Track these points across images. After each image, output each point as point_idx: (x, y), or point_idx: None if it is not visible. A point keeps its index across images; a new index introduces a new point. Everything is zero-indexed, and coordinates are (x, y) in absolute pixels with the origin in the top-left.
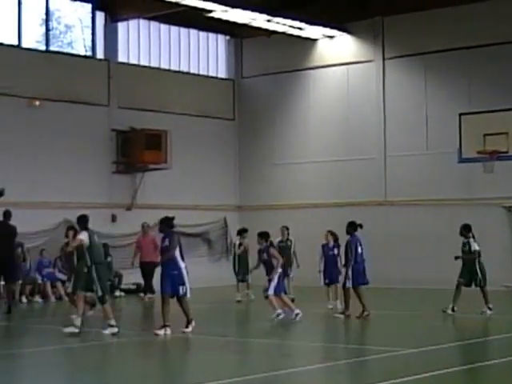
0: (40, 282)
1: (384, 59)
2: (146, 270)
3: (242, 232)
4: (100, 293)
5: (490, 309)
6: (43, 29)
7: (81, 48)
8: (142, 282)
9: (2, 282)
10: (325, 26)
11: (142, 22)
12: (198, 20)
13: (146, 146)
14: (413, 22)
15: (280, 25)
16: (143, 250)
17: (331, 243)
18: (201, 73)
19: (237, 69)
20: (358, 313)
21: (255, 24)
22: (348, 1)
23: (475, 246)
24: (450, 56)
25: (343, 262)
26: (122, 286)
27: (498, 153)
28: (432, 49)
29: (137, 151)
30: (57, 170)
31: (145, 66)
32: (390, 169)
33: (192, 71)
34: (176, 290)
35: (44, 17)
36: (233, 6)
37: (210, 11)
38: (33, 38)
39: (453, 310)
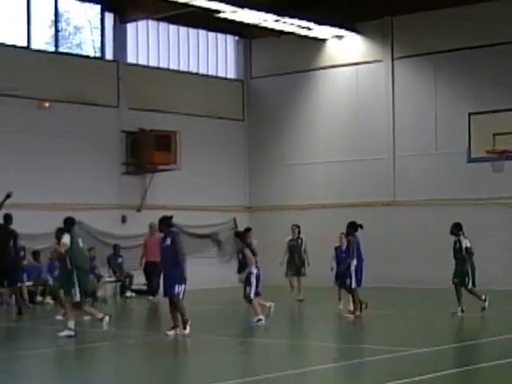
0: (51, 283)
1: (393, 59)
2: (150, 269)
3: (244, 232)
4: (78, 298)
5: (462, 311)
6: (52, 30)
7: (90, 49)
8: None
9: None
10: (334, 26)
11: (151, 22)
12: (206, 20)
13: (156, 146)
14: (422, 22)
15: (289, 25)
16: (149, 249)
17: (345, 246)
18: (210, 73)
19: (246, 69)
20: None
21: (264, 24)
22: (357, 1)
23: (466, 243)
24: (459, 56)
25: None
26: (133, 287)
27: (507, 152)
28: (441, 48)
29: (146, 152)
30: (67, 172)
31: (154, 67)
32: (398, 169)
33: (201, 72)
34: (171, 290)
35: (53, 18)
36: (242, 7)
37: (219, 12)
38: (42, 40)
39: (462, 311)
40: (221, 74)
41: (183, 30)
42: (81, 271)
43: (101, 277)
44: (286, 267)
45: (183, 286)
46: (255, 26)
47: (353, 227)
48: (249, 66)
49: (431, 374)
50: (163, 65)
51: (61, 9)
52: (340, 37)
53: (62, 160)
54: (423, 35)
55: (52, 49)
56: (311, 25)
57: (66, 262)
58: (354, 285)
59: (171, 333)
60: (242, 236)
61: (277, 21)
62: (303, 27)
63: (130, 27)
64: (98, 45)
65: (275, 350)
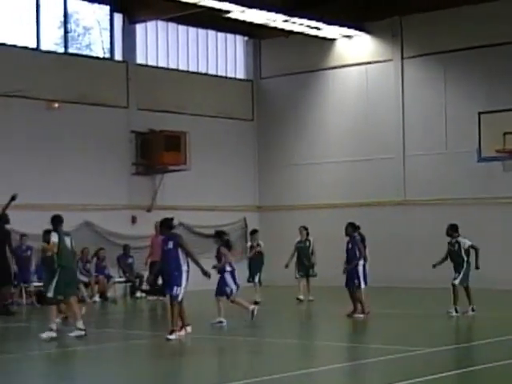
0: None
1: (402, 58)
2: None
3: (251, 233)
4: (50, 294)
5: (456, 310)
6: (61, 31)
7: (99, 50)
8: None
9: None
10: (343, 25)
11: (160, 23)
12: (215, 21)
13: (166, 147)
14: (431, 21)
15: (298, 25)
16: (155, 250)
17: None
18: (219, 74)
19: (255, 69)
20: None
21: (273, 24)
22: (366, 0)
23: (467, 243)
24: (468, 55)
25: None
26: (143, 287)
27: None
28: (451, 48)
29: (156, 153)
30: (76, 172)
31: (163, 68)
32: (409, 168)
33: (210, 72)
34: (170, 290)
35: (62, 19)
36: (250, 7)
37: (228, 12)
38: (51, 41)
39: (456, 311)
40: (230, 74)
41: (192, 30)
42: (65, 270)
43: (111, 277)
44: (294, 269)
45: (182, 288)
46: (264, 26)
47: (353, 228)
48: (258, 66)
49: (443, 373)
50: (172, 65)
51: (70, 10)
52: (349, 36)
53: (72, 161)
54: (433, 34)
55: (61, 50)
56: (320, 25)
57: (53, 261)
58: (362, 285)
59: (182, 333)
60: (221, 235)
61: (286, 21)
62: (312, 27)
63: (139, 28)
64: (107, 46)
65: (285, 350)
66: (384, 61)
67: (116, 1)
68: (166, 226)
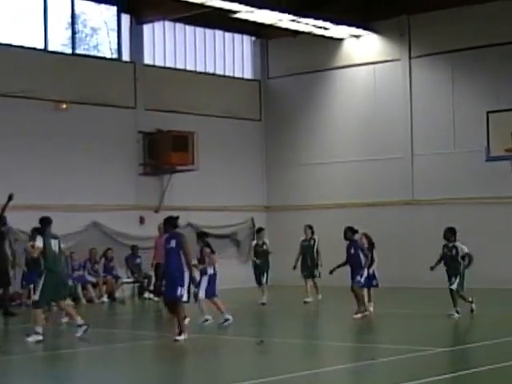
0: (71, 284)
1: (410, 58)
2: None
3: (257, 232)
4: (36, 298)
5: (457, 312)
6: (69, 32)
7: (107, 51)
8: None
9: None
10: (350, 25)
11: (168, 23)
12: (223, 21)
13: (173, 147)
14: (439, 20)
15: (305, 25)
16: (158, 251)
17: (365, 246)
18: (227, 74)
19: (263, 69)
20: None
21: (281, 24)
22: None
23: (465, 249)
24: (477, 54)
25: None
26: (151, 288)
27: None
28: (459, 47)
29: (164, 153)
30: (84, 173)
31: (171, 68)
32: (417, 168)
33: (218, 72)
34: (173, 292)
35: (70, 20)
36: (258, 7)
37: (235, 12)
38: (59, 42)
39: (457, 312)
40: (237, 74)
41: (199, 30)
42: (51, 274)
43: (119, 278)
44: (300, 268)
45: (185, 289)
46: (272, 26)
47: (353, 232)
48: (266, 66)
49: (455, 373)
50: (180, 65)
51: (77, 11)
52: (357, 36)
53: (80, 161)
54: (440, 34)
55: (69, 51)
56: (328, 24)
57: (39, 264)
58: (374, 283)
59: (181, 338)
60: (203, 236)
61: (293, 21)
62: (320, 27)
63: (147, 28)
64: (115, 46)
65: (292, 350)
66: (392, 60)
67: (123, 1)
68: (170, 224)
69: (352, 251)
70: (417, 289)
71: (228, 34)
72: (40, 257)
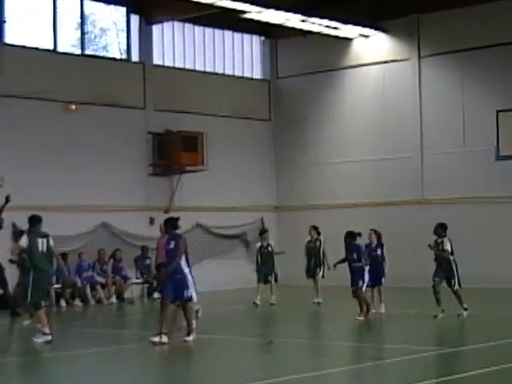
0: (79, 285)
1: (420, 57)
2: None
3: (261, 233)
4: (29, 299)
5: (465, 309)
6: (78, 33)
7: (116, 51)
8: None
9: None
10: (360, 25)
11: (177, 24)
12: (232, 21)
13: (183, 147)
14: (448, 20)
15: (315, 24)
16: (159, 252)
17: (374, 243)
18: (236, 74)
19: (272, 69)
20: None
21: (290, 24)
22: None
23: (447, 246)
24: (486, 53)
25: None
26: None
27: None
28: (468, 46)
29: (173, 153)
30: (94, 173)
31: (180, 68)
32: (426, 167)
33: (227, 72)
34: (180, 295)
35: (79, 21)
36: (267, 7)
37: (245, 12)
38: (68, 42)
39: (442, 311)
40: (247, 74)
41: (209, 30)
42: (38, 273)
43: (127, 278)
44: (305, 269)
45: (193, 289)
46: (281, 26)
47: (351, 236)
48: (275, 66)
49: (463, 373)
50: (189, 66)
51: (87, 11)
52: (366, 36)
53: (89, 162)
54: (450, 33)
55: (78, 51)
56: (337, 24)
57: (25, 265)
58: (364, 287)
59: (156, 339)
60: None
61: (302, 20)
62: (329, 26)
63: (156, 29)
64: (124, 47)
65: (299, 350)
66: (401, 60)
67: (132, 2)
68: (170, 225)
69: (354, 256)
70: (427, 288)
71: (237, 34)
72: (25, 255)
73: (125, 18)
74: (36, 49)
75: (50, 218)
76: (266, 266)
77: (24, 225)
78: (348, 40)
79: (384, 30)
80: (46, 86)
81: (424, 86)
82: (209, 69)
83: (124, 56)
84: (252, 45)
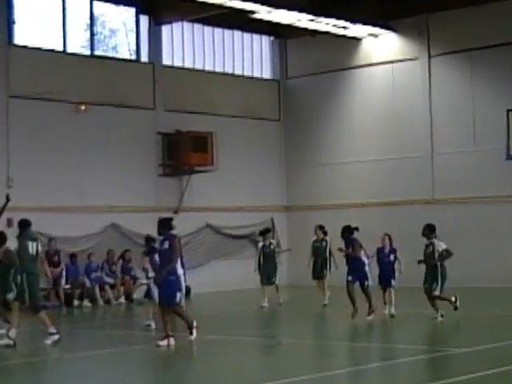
0: (88, 285)
1: (429, 57)
2: None
3: (264, 233)
4: (28, 303)
5: (441, 315)
6: (88, 34)
7: (125, 52)
8: (189, 284)
9: None
10: (369, 24)
11: (186, 24)
12: (241, 21)
13: (193, 148)
14: (458, 19)
15: (324, 24)
16: None
17: (387, 248)
18: (245, 74)
19: (281, 69)
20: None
21: (299, 24)
22: None
23: (441, 246)
24: (496, 52)
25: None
26: None
27: None
28: (478, 45)
29: (183, 154)
30: (103, 174)
31: (189, 69)
32: (437, 167)
33: (237, 73)
34: (173, 297)
35: (88, 22)
36: (276, 7)
37: (254, 12)
38: (78, 43)
39: (441, 315)
40: (256, 74)
41: (218, 31)
42: (30, 276)
43: (137, 279)
44: (311, 270)
45: (181, 292)
46: (290, 26)
47: (348, 231)
48: (284, 66)
49: (474, 373)
50: (198, 66)
51: (96, 12)
52: (375, 35)
53: (98, 163)
54: (459, 32)
55: (87, 52)
56: (346, 24)
57: (16, 267)
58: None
59: (164, 343)
60: (149, 241)
61: (312, 20)
62: (338, 26)
63: (165, 29)
64: (134, 47)
65: (308, 351)
66: (410, 59)
67: (142, 2)
68: (164, 225)
69: (351, 250)
70: None
71: (246, 35)
72: (16, 258)
73: (134, 19)
74: (45, 50)
75: (60, 219)
76: (268, 266)
77: (33, 225)
78: (357, 40)
79: (393, 30)
80: (56, 87)
81: (434, 85)
82: (218, 69)
83: (133, 57)
84: (261, 45)
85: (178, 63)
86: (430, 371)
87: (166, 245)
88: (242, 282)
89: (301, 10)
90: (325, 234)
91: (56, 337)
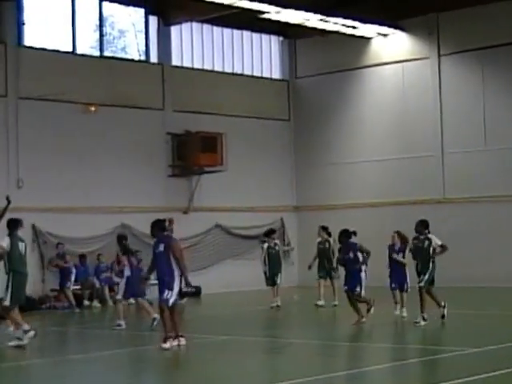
0: (98, 286)
1: (439, 56)
2: None
3: (268, 234)
4: (7, 303)
5: (424, 319)
6: (97, 34)
7: (134, 53)
8: (200, 284)
9: None
10: (379, 24)
11: (195, 25)
12: (250, 21)
13: (202, 148)
14: (468, 18)
15: (333, 24)
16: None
17: (397, 245)
18: (255, 74)
19: (291, 69)
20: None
21: (308, 24)
22: None
23: (437, 241)
24: (506, 51)
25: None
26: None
27: None
28: (488, 44)
29: (192, 154)
30: (112, 175)
31: (198, 69)
32: (447, 166)
33: (246, 73)
34: (161, 294)
35: (98, 23)
36: (285, 7)
37: (263, 12)
38: (87, 44)
39: (424, 319)
40: (266, 74)
41: (227, 31)
42: (17, 276)
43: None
44: (317, 270)
45: (174, 293)
46: (299, 26)
47: (345, 235)
48: (294, 66)
49: (485, 374)
50: (208, 66)
51: (105, 13)
52: (385, 35)
53: (108, 163)
54: (469, 31)
55: (97, 53)
56: (356, 23)
57: (6, 266)
58: (362, 291)
59: (175, 343)
60: (121, 239)
61: (321, 20)
62: (348, 26)
63: (174, 30)
64: (143, 48)
65: (317, 351)
66: (420, 58)
67: (151, 3)
68: (157, 227)
69: (351, 255)
70: (447, 288)
71: (256, 35)
72: (5, 258)
73: (143, 20)
74: (55, 51)
75: (69, 220)
76: (274, 267)
77: (43, 226)
78: (367, 39)
79: (403, 29)
80: (65, 88)
81: (444, 84)
82: (227, 69)
83: (143, 57)
84: (271, 45)
85: (187, 64)
86: (442, 371)
87: (161, 247)
88: (252, 283)
89: (310, 10)
90: (328, 234)
91: (31, 333)
